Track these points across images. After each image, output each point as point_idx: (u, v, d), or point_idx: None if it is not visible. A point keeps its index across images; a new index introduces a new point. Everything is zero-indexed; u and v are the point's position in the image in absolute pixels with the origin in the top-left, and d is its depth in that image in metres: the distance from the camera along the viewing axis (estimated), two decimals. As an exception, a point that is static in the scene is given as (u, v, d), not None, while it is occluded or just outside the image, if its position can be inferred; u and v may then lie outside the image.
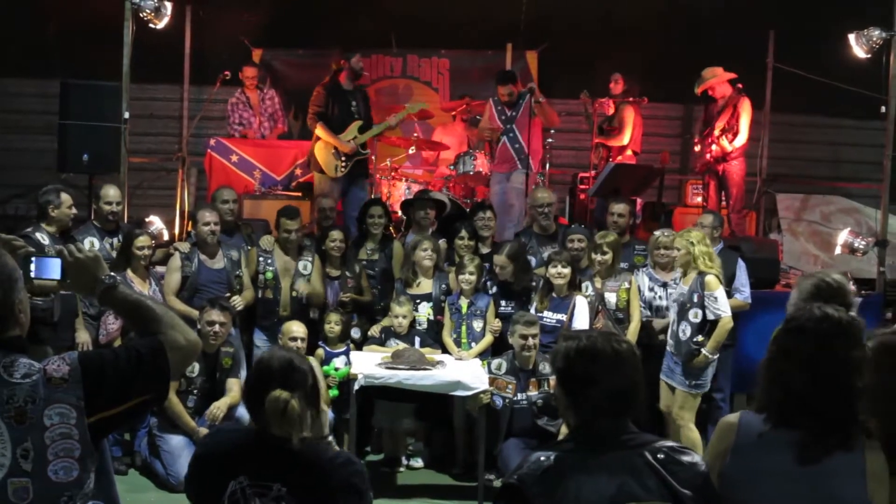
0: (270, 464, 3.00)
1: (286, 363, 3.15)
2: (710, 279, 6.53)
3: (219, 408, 6.72)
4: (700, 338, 6.51)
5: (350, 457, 3.17)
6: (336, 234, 7.73)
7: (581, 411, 2.69)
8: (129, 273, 7.08)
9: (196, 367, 6.72)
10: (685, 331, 6.55)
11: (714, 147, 9.88)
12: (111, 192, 7.53)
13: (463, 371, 6.65)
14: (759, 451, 2.79)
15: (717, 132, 9.88)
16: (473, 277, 7.18)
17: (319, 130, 9.36)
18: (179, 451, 6.67)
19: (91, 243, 7.32)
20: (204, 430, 6.67)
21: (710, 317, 6.55)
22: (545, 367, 6.61)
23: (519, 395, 6.68)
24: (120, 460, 6.85)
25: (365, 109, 9.63)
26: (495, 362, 6.78)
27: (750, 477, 2.78)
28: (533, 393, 6.67)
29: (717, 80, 9.94)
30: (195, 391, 6.80)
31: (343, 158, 9.35)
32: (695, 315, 6.55)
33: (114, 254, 7.37)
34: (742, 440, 2.83)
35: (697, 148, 10.22)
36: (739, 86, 9.92)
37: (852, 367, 2.78)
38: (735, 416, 2.92)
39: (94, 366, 2.50)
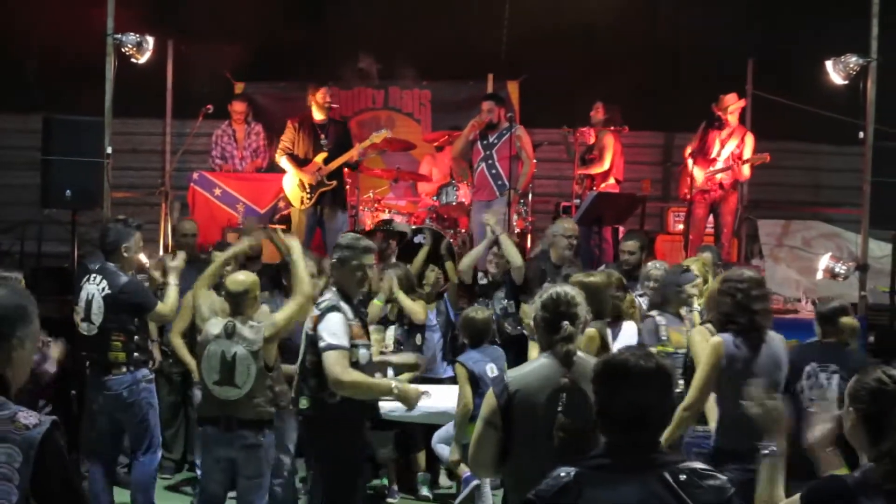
0: None
1: None
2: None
3: None
4: None
5: None
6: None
7: (606, 425, 2.76)
8: None
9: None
10: None
11: (720, 176, 9.91)
12: (188, 225, 8.18)
13: (448, 401, 6.56)
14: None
15: (720, 161, 9.92)
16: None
17: (284, 163, 9.59)
18: None
19: None
20: None
21: None
22: None
23: None
24: None
25: (337, 141, 9.65)
26: None
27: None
28: None
29: (739, 106, 10.05)
30: None
31: (308, 190, 9.44)
32: None
33: None
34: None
35: (699, 174, 9.99)
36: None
37: None
38: (719, 336, 4.83)
39: (53, 450, 2.47)
